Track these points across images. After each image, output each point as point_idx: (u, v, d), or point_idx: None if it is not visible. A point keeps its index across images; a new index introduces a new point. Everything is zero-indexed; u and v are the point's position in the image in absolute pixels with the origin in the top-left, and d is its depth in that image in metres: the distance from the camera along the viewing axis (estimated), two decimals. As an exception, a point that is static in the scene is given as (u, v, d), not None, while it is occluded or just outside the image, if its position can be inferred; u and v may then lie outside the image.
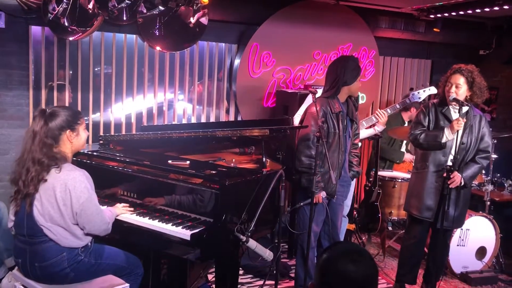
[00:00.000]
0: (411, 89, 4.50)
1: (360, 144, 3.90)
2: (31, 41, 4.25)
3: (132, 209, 2.97)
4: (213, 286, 3.41)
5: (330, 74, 3.59)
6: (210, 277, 3.78)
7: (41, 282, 2.58)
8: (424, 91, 4.33)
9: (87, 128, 2.79)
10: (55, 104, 4.41)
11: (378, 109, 4.26)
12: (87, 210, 2.52)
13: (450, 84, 3.52)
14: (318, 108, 3.35)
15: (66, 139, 2.59)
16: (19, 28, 4.18)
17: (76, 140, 2.64)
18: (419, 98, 4.34)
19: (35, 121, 2.56)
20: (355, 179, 4.06)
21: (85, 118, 4.45)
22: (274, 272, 3.17)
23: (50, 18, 4.08)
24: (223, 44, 5.12)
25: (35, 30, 4.28)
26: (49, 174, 2.51)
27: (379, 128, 4.24)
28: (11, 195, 2.62)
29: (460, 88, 3.49)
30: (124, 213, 2.89)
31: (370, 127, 4.30)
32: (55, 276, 2.55)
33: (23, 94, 4.28)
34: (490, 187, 4.68)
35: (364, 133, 4.29)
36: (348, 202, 4.27)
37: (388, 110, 4.26)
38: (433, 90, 4.35)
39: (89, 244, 2.66)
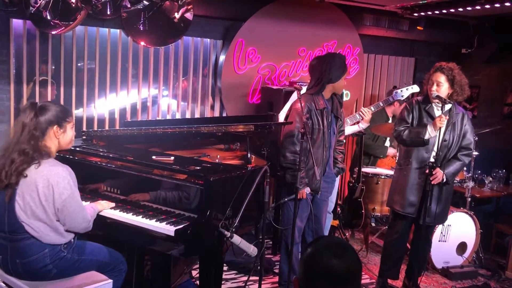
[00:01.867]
0: (394, 87, 4.56)
1: (344, 140, 3.93)
2: (12, 35, 4.17)
3: (113, 204, 2.94)
4: (197, 282, 3.40)
5: (315, 71, 3.60)
6: (194, 273, 3.78)
7: (22, 279, 2.54)
8: (407, 89, 4.40)
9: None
10: (37, 99, 4.34)
11: (362, 107, 4.31)
12: (69, 207, 2.49)
13: (432, 82, 3.56)
14: (302, 105, 3.36)
15: (52, 135, 2.56)
16: (0, 21, 4.10)
17: (62, 137, 2.60)
18: (402, 96, 4.41)
19: (25, 114, 2.52)
20: (339, 176, 4.09)
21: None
22: (259, 268, 3.17)
23: (32, 11, 4.02)
24: (208, 39, 5.10)
25: (16, 23, 4.21)
26: (29, 169, 2.47)
27: (363, 125, 4.29)
28: None
29: (441, 86, 3.53)
30: (106, 208, 2.87)
31: (354, 124, 4.35)
32: (37, 273, 2.51)
33: (4, 89, 4.21)
34: (471, 184, 4.75)
35: (349, 129, 4.33)
36: (332, 198, 4.30)
37: (372, 108, 4.31)
38: (415, 88, 4.42)
39: (72, 240, 2.63)
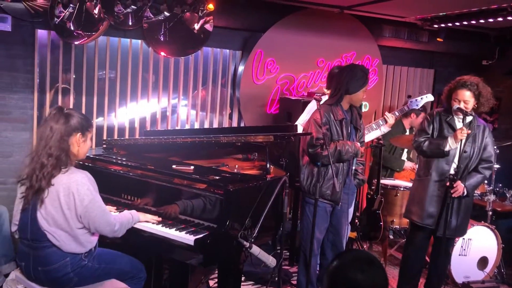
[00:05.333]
0: (409, 97, 4.55)
1: (363, 153, 3.91)
2: (37, 45, 4.27)
3: (160, 219, 2.90)
4: (215, 292, 3.40)
5: (334, 80, 3.61)
6: (212, 283, 3.77)
7: (45, 286, 2.57)
8: (421, 98, 4.39)
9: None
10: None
11: (387, 112, 4.34)
12: (91, 212, 2.51)
13: (458, 100, 3.50)
14: (321, 113, 3.36)
15: (75, 142, 2.58)
16: (26, 32, 4.20)
17: (82, 146, 2.62)
18: (417, 105, 4.39)
19: (54, 118, 2.53)
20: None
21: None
22: (276, 279, 3.16)
23: (56, 22, 4.11)
24: (228, 50, 5.15)
25: (41, 33, 4.31)
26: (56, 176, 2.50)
27: (385, 129, 4.30)
28: (22, 193, 2.57)
29: (468, 103, 3.48)
30: (150, 221, 2.85)
31: (376, 129, 4.36)
32: (59, 281, 2.54)
33: (28, 97, 4.30)
34: (492, 197, 4.67)
35: (372, 135, 4.34)
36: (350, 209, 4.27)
37: (396, 113, 4.35)
38: (430, 97, 4.40)
39: (93, 249, 2.65)
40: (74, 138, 2.57)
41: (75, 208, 2.49)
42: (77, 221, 2.52)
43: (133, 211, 2.84)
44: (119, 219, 2.68)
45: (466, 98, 3.48)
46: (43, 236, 2.50)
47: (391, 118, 4.23)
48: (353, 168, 3.60)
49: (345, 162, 3.50)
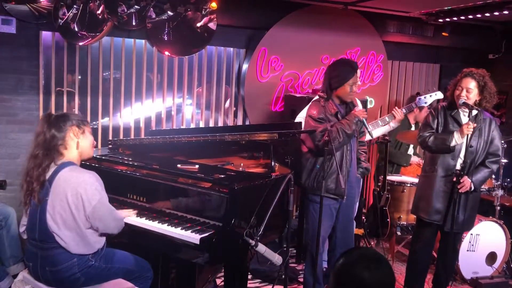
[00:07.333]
0: (418, 94, 4.51)
1: (365, 142, 3.90)
2: (42, 46, 4.29)
3: (136, 211, 2.99)
4: (222, 290, 3.41)
5: (323, 79, 3.62)
6: (219, 281, 3.78)
7: (52, 286, 2.59)
8: (430, 96, 4.33)
9: (96, 132, 2.82)
10: (65, 108, 4.45)
11: (396, 107, 4.31)
12: (99, 212, 2.54)
13: (461, 88, 3.48)
14: (318, 110, 3.36)
15: (72, 136, 2.60)
16: (30, 34, 4.23)
17: (83, 139, 2.63)
18: (426, 103, 4.34)
19: (40, 123, 2.64)
20: (362, 181, 4.04)
21: (95, 122, 4.51)
22: (283, 276, 3.16)
23: (61, 24, 4.13)
24: (231, 48, 5.14)
25: (46, 35, 4.33)
26: (58, 178, 2.51)
27: (394, 124, 4.27)
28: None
29: (471, 92, 3.46)
30: (129, 216, 2.93)
31: (385, 125, 4.34)
32: (66, 281, 2.55)
33: (33, 99, 4.32)
34: (500, 192, 4.64)
35: (380, 130, 4.31)
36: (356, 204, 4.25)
37: (404, 110, 4.31)
38: (439, 95, 4.34)
39: (100, 249, 2.66)
40: (70, 132, 2.59)
41: (83, 209, 2.51)
42: (86, 221, 2.54)
43: (118, 211, 2.90)
44: (122, 215, 2.78)
45: (470, 86, 3.45)
46: (51, 237, 2.52)
47: (399, 113, 4.20)
48: (355, 156, 3.58)
49: (354, 136, 3.47)
